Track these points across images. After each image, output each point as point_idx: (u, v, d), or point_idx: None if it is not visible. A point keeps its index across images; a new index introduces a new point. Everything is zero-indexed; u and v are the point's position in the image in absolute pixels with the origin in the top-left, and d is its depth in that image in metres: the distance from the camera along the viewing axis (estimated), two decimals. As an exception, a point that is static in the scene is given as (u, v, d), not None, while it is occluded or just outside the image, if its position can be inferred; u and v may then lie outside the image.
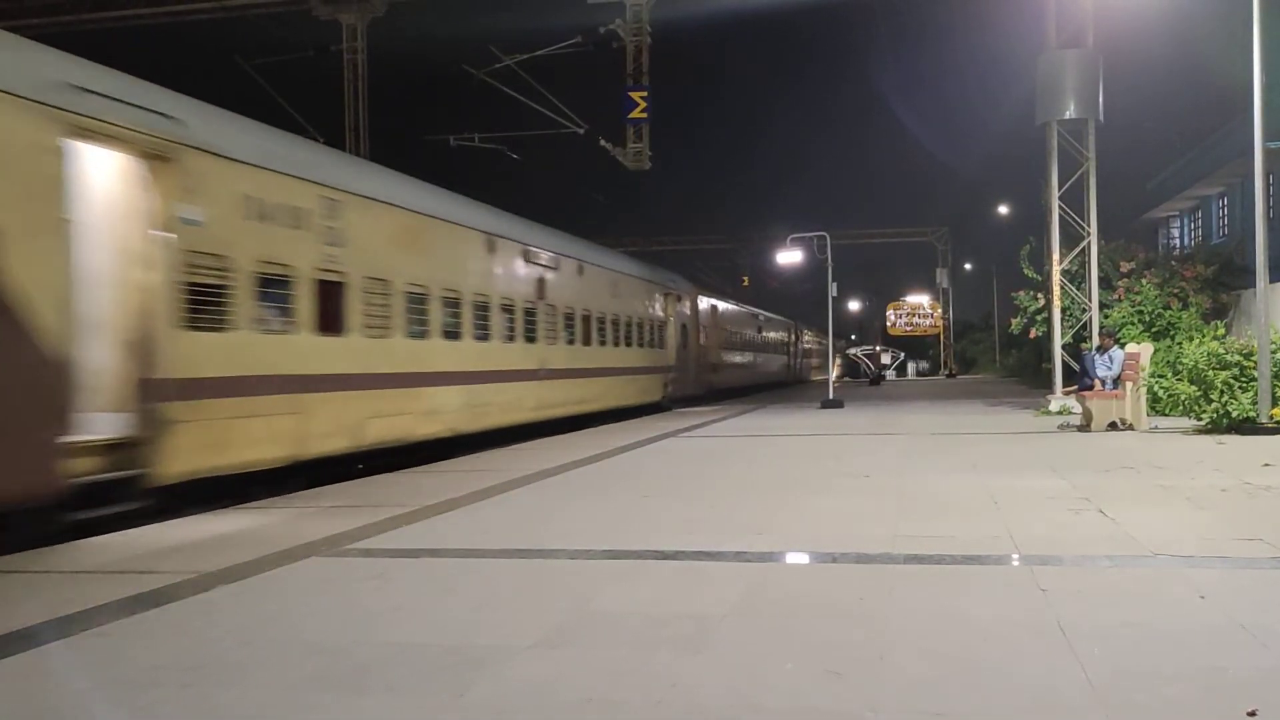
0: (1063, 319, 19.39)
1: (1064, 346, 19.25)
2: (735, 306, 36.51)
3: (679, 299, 26.54)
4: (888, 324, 63.25)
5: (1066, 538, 6.01)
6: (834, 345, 30.54)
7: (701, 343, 29.21)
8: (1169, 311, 19.68)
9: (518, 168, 27.99)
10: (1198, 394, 13.47)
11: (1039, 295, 21.14)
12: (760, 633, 4.15)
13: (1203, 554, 5.44)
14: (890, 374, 56.50)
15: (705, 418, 19.66)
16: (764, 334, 41.94)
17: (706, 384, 29.36)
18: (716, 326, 31.61)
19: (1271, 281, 13.64)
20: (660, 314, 24.83)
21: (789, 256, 27.80)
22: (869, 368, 55.27)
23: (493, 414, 14.70)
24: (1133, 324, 19.60)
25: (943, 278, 54.69)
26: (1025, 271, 22.23)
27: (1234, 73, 16.37)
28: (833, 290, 25.55)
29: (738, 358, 35.86)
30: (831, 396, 23.84)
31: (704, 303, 30.10)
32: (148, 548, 6.48)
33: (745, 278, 56.43)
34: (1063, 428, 14.82)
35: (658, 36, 23.49)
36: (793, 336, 52.17)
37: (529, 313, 16.27)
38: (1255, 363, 12.78)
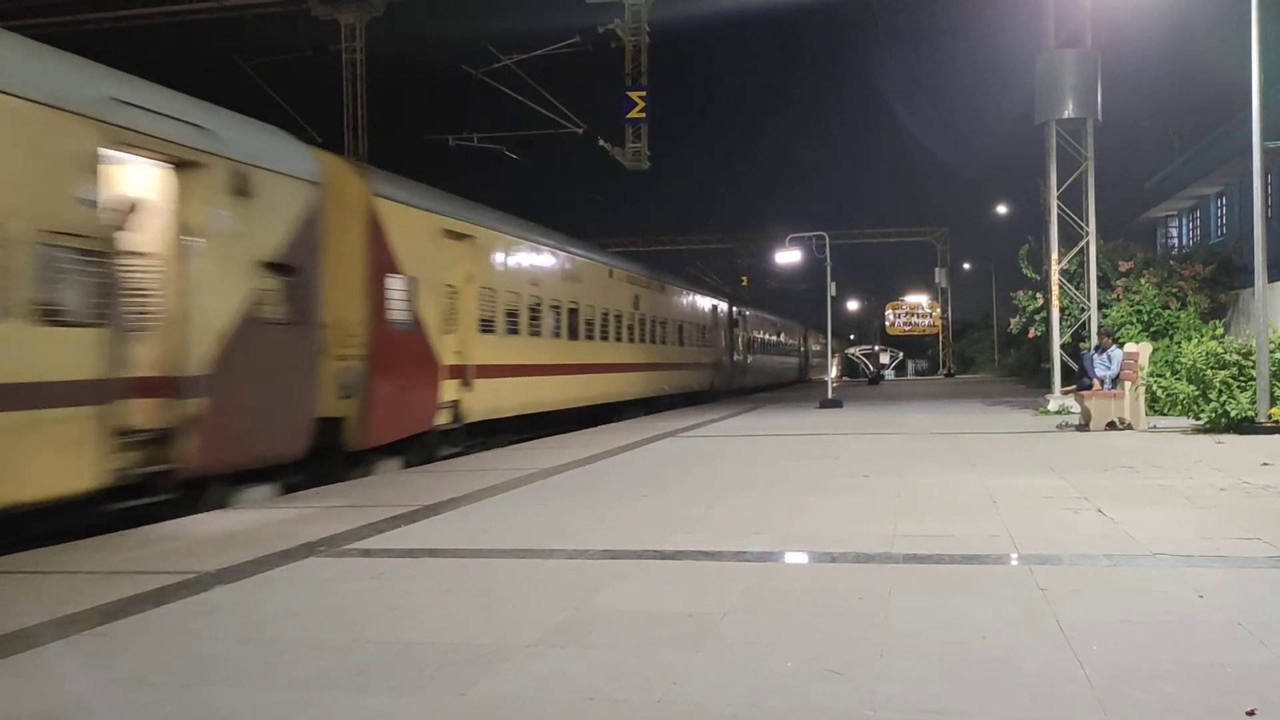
0: (1061, 318, 19.41)
1: (1063, 346, 19.27)
2: (544, 240, 17.87)
3: (275, 186, 9.36)
4: (886, 324, 63.37)
5: (1065, 537, 6.02)
6: (832, 344, 29.54)
7: (412, 316, 12.35)
8: (1167, 311, 19.71)
9: (516, 167, 27.93)
10: (1196, 393, 13.47)
11: (1038, 295, 21.19)
12: (760, 631, 4.16)
13: (1201, 553, 5.45)
14: (889, 374, 56.58)
15: (691, 420, 19.61)
16: (642, 308, 23.75)
17: (430, 411, 12.78)
18: (473, 280, 14.24)
19: (1270, 281, 13.65)
20: (174, 232, 8.27)
21: (788, 256, 27.89)
22: (867, 367, 55.30)
23: None
24: (1131, 323, 19.64)
25: (941, 277, 54.78)
26: (1024, 271, 22.28)
27: (1232, 72, 16.38)
28: (831, 290, 25.61)
29: (551, 353, 17.64)
30: (830, 396, 23.91)
31: (402, 215, 12.31)
32: (146, 548, 6.49)
33: (745, 277, 56.42)
34: (1061, 427, 14.83)
35: (656, 36, 23.56)
36: (722, 320, 33.45)
37: None
38: (1254, 362, 12.78)
